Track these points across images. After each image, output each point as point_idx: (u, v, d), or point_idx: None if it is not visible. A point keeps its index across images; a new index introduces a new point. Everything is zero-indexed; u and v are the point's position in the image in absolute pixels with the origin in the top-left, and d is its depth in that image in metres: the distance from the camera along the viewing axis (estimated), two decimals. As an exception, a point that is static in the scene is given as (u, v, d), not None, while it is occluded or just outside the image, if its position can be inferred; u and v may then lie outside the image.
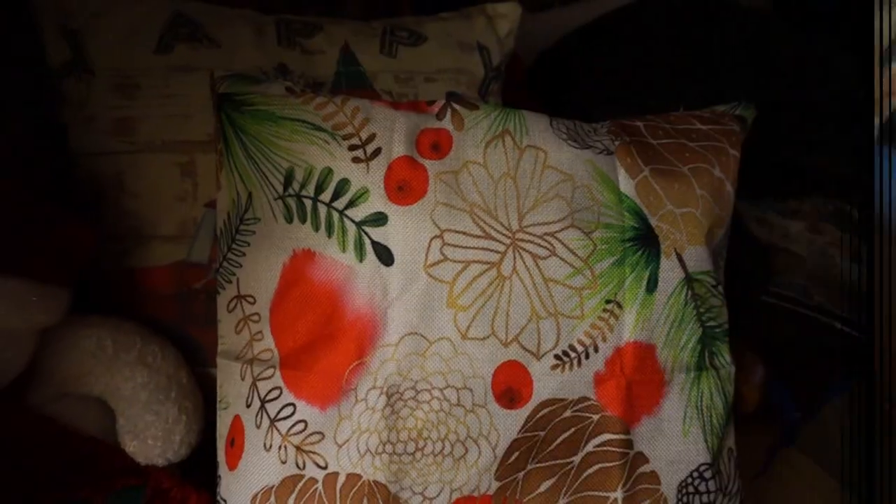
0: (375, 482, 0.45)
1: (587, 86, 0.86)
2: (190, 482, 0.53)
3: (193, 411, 0.54)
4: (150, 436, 0.51)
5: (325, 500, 0.45)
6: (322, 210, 0.46)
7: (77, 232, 0.50)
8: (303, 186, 0.46)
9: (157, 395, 0.52)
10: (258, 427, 0.47)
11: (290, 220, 0.46)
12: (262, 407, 0.47)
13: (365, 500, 0.45)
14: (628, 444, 0.46)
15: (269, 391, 0.47)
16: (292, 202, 0.46)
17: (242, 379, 0.48)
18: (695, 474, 0.47)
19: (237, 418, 0.48)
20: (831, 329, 0.67)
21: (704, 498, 0.48)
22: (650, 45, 0.83)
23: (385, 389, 0.44)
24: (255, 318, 0.48)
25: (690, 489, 0.47)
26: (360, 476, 0.45)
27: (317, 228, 0.46)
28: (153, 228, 0.55)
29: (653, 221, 0.46)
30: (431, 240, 0.44)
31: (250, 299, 0.48)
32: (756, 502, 1.02)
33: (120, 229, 0.55)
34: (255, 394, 0.47)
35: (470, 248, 0.44)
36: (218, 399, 0.51)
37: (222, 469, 0.50)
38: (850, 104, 0.85)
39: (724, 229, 0.51)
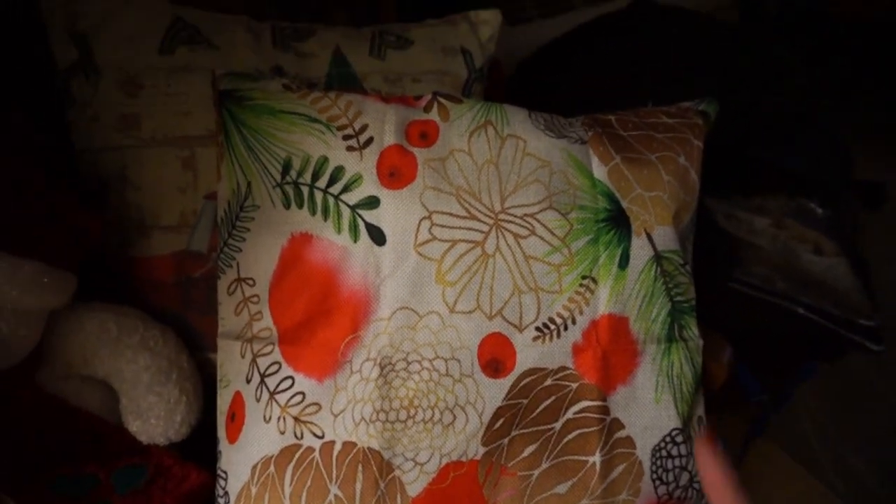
0: (370, 449, 0.47)
1: (562, 94, 0.91)
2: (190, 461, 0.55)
3: (194, 393, 0.56)
4: (153, 416, 0.54)
5: (322, 467, 0.48)
6: (318, 195, 0.49)
7: (86, 220, 0.53)
8: (300, 174, 0.49)
9: (158, 378, 0.54)
10: (258, 400, 0.49)
11: (287, 206, 0.50)
12: (262, 381, 0.49)
13: (360, 467, 0.48)
14: (605, 410, 0.49)
15: (269, 366, 0.49)
16: (290, 189, 0.50)
17: (242, 357, 0.51)
18: (667, 439, 0.51)
19: (237, 394, 0.51)
20: (794, 314, 0.71)
21: (676, 461, 0.51)
22: (623, 54, 0.88)
23: (378, 361, 0.48)
24: (255, 299, 0.51)
25: (663, 453, 0.51)
26: (355, 444, 0.48)
27: (314, 213, 0.49)
28: (155, 219, 0.58)
29: (624, 204, 0.50)
30: (421, 221, 0.48)
31: (250, 282, 0.51)
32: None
33: (123, 220, 0.58)
34: (255, 369, 0.50)
35: (456, 227, 0.48)
36: (218, 378, 0.54)
37: (223, 444, 0.52)
38: (809, 108, 0.90)
39: (690, 214, 0.55)
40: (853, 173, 0.91)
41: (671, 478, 0.51)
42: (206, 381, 0.58)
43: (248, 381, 0.50)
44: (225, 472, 0.51)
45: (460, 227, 0.48)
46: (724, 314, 0.71)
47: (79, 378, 0.54)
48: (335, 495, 0.48)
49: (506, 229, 0.48)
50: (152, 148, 0.57)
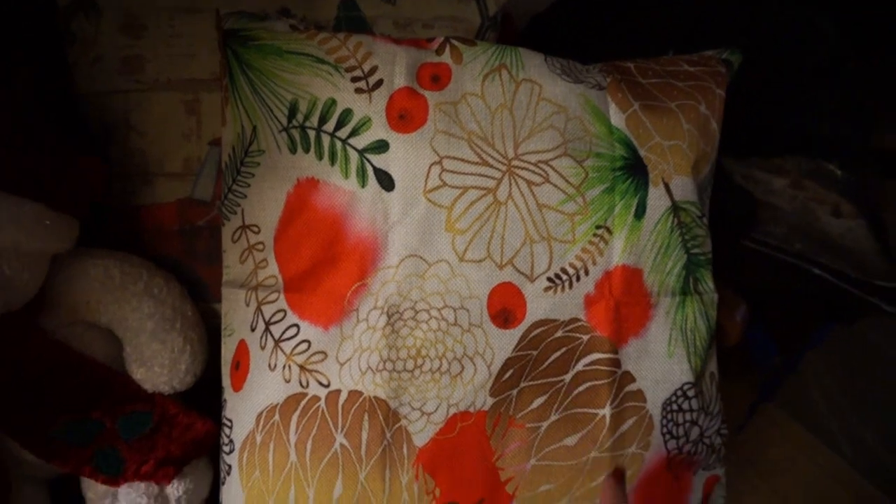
0: (376, 398, 0.47)
1: (578, 47, 0.88)
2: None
3: (198, 342, 0.55)
4: (157, 364, 0.53)
5: (327, 416, 0.47)
6: (325, 140, 0.47)
7: (90, 165, 0.52)
8: (307, 118, 0.48)
9: (162, 325, 0.53)
10: (263, 349, 0.49)
11: (294, 150, 0.48)
12: (267, 329, 0.49)
13: (366, 416, 0.47)
14: (616, 363, 0.48)
15: (274, 314, 0.49)
16: (296, 133, 0.48)
17: (247, 305, 0.50)
18: (678, 393, 0.50)
19: (242, 342, 0.50)
20: (809, 275, 0.70)
21: (687, 416, 0.50)
22: (639, 6, 0.85)
23: (385, 309, 0.47)
24: (260, 246, 0.50)
25: (674, 407, 0.50)
26: (361, 393, 0.47)
27: (320, 157, 0.48)
28: (159, 166, 0.56)
29: (642, 152, 0.49)
30: (431, 166, 0.46)
31: (255, 229, 0.50)
32: (737, 457, 1.06)
33: (127, 168, 0.56)
34: (260, 317, 0.49)
35: (468, 174, 0.47)
36: (223, 327, 0.53)
37: (227, 392, 0.52)
38: (833, 69, 0.87)
39: (709, 165, 0.53)
40: (876, 140, 0.89)
41: (681, 432, 0.51)
42: (210, 332, 0.57)
43: (253, 329, 0.49)
44: (230, 420, 0.51)
45: (472, 174, 0.47)
46: (739, 273, 0.69)
47: (83, 325, 0.53)
48: (341, 444, 0.47)
49: (519, 176, 0.47)
50: (156, 92, 0.55)
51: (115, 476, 0.49)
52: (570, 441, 0.49)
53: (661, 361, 0.49)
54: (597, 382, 0.48)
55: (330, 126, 0.47)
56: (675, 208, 0.49)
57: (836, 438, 1.08)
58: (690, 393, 0.50)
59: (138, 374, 0.53)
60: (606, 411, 0.48)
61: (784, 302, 0.75)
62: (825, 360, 1.08)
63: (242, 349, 0.50)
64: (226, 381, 0.52)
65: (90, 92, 0.56)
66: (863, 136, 0.89)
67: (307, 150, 0.48)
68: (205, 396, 0.56)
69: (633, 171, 0.48)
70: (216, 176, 0.57)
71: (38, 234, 0.46)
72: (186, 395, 0.56)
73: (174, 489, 0.49)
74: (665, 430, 0.50)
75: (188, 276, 0.58)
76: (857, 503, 1.04)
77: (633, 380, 0.49)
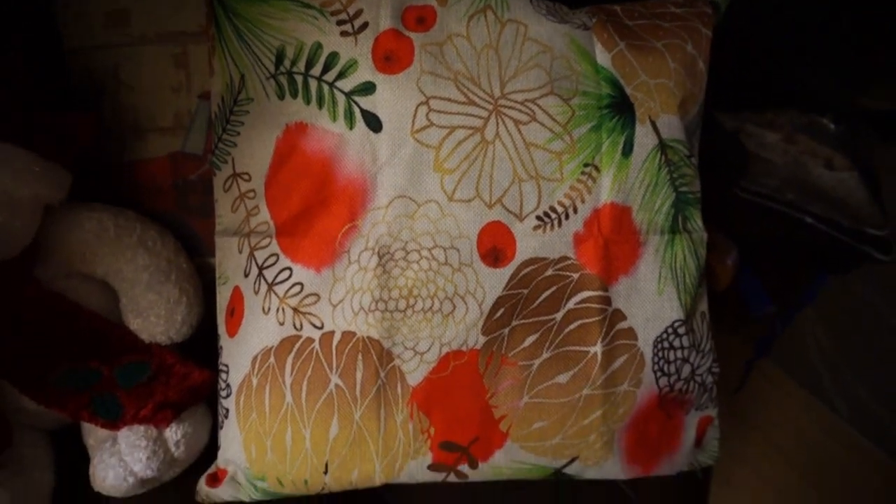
0: (369, 338, 0.47)
1: None
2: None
3: (194, 294, 0.56)
4: (153, 314, 0.54)
5: (321, 357, 0.48)
6: (313, 84, 0.48)
7: (79, 118, 0.52)
8: (294, 63, 0.48)
9: (157, 277, 0.54)
10: (256, 293, 0.49)
11: (282, 96, 0.48)
12: (260, 273, 0.49)
13: (360, 356, 0.48)
14: (607, 300, 0.49)
15: (267, 258, 0.49)
16: (284, 79, 0.48)
17: (240, 252, 0.51)
18: (669, 330, 0.50)
19: (236, 289, 0.51)
20: (801, 223, 0.70)
21: (679, 353, 0.51)
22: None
23: (377, 250, 0.47)
24: (251, 194, 0.51)
25: (665, 344, 0.51)
26: (354, 333, 0.48)
27: (308, 102, 0.48)
28: (150, 121, 0.56)
29: (628, 90, 0.49)
30: (418, 106, 0.47)
31: (245, 177, 0.51)
32: (734, 416, 1.07)
33: (119, 123, 0.57)
34: (253, 262, 0.50)
35: (455, 113, 0.47)
36: (217, 276, 0.53)
37: (223, 339, 0.52)
38: (826, 21, 0.87)
39: (697, 106, 0.53)
40: (860, 102, 0.89)
41: (673, 369, 0.51)
42: (205, 287, 0.58)
43: (247, 275, 0.50)
44: (226, 366, 0.51)
45: (459, 113, 0.47)
46: (731, 221, 0.70)
47: (79, 277, 0.54)
48: (336, 385, 0.48)
49: (506, 115, 0.47)
50: (144, 46, 0.55)
51: (113, 420, 0.50)
52: (563, 378, 0.49)
53: (652, 299, 0.50)
54: (587, 320, 0.49)
55: (317, 70, 0.48)
56: (663, 146, 0.49)
57: (831, 395, 1.09)
58: (681, 330, 0.51)
59: (135, 324, 0.54)
60: (598, 349, 0.49)
61: (776, 252, 0.76)
62: (820, 318, 1.08)
63: (237, 295, 0.51)
64: (221, 328, 0.53)
65: (78, 47, 0.56)
66: (852, 93, 0.89)
67: (295, 96, 0.48)
68: (203, 353, 0.56)
69: (620, 109, 0.49)
70: (207, 129, 0.57)
71: (27, 180, 0.47)
72: (185, 350, 0.57)
73: (173, 433, 0.50)
74: (656, 367, 0.51)
75: (182, 231, 0.58)
76: (853, 457, 1.05)
77: (623, 318, 0.50)
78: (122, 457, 0.49)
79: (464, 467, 0.51)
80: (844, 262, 0.74)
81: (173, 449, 0.50)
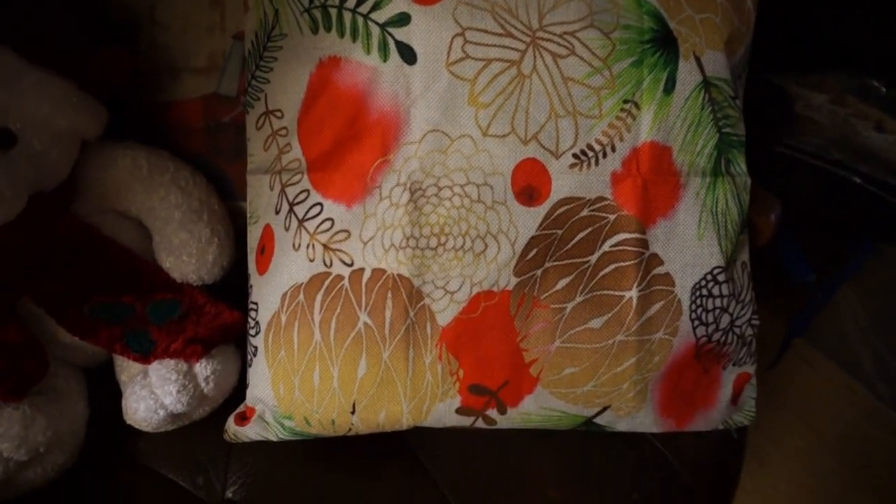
0: (399, 276, 0.47)
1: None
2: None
3: (225, 235, 0.56)
4: (185, 253, 0.54)
5: (351, 295, 0.47)
6: (347, 16, 0.47)
7: (115, 53, 0.52)
8: (328, -4, 0.47)
9: (189, 216, 0.54)
10: (287, 230, 0.49)
11: (315, 30, 0.48)
12: (291, 210, 0.49)
13: (389, 294, 0.47)
14: (644, 244, 0.47)
15: (298, 194, 0.49)
16: (318, 13, 0.48)
17: (271, 189, 0.50)
18: (708, 277, 0.49)
19: (267, 227, 0.51)
20: (848, 183, 0.67)
21: (717, 302, 0.49)
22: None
23: (408, 186, 0.46)
24: (283, 132, 0.50)
25: (704, 292, 0.49)
26: (384, 271, 0.47)
27: (342, 35, 0.47)
28: (185, 61, 0.56)
29: (672, 25, 0.47)
30: (453, 38, 0.45)
31: (278, 113, 0.50)
32: (769, 395, 1.04)
33: (153, 63, 0.57)
34: (284, 199, 0.49)
35: (491, 45, 0.46)
36: (248, 215, 0.53)
37: (253, 278, 0.52)
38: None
39: (743, 48, 0.51)
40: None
41: (711, 319, 0.49)
42: (237, 231, 0.58)
43: (277, 212, 0.50)
44: (255, 304, 0.51)
45: (495, 45, 0.45)
46: (774, 179, 0.67)
47: (114, 214, 0.54)
48: (364, 323, 0.47)
49: (543, 48, 0.46)
50: (179, -15, 0.55)
51: (145, 354, 0.50)
52: (596, 323, 0.48)
53: (691, 244, 0.48)
54: (623, 264, 0.47)
55: (351, 2, 0.47)
56: (707, 84, 0.47)
57: (872, 378, 1.05)
58: (721, 278, 0.49)
59: (167, 262, 0.54)
60: (633, 294, 0.48)
61: (822, 215, 0.73)
62: (859, 297, 1.05)
63: (268, 233, 0.51)
64: (251, 267, 0.52)
65: (115, -13, 0.56)
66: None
67: (329, 29, 0.47)
68: (234, 301, 0.56)
69: (663, 43, 0.47)
70: (240, 71, 0.57)
71: (65, 110, 0.47)
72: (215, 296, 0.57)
73: (202, 368, 0.50)
74: (694, 315, 0.49)
75: (214, 174, 0.58)
76: (891, 441, 1.01)
77: (661, 262, 0.48)
78: (153, 389, 0.49)
79: (492, 412, 0.50)
80: (894, 227, 0.71)
81: (203, 385, 0.51)
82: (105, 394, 0.55)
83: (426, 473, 0.55)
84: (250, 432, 0.52)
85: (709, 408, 0.54)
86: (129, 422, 0.51)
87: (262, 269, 0.51)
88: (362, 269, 0.47)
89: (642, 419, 0.51)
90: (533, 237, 0.47)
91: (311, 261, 0.48)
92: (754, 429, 0.64)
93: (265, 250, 0.51)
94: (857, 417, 1.04)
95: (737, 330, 0.51)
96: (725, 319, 0.50)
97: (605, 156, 0.47)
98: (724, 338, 0.51)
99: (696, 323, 0.49)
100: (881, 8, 0.81)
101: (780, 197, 0.69)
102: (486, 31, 0.46)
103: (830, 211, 0.72)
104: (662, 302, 0.48)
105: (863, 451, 1.01)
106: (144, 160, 0.53)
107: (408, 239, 0.46)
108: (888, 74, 0.79)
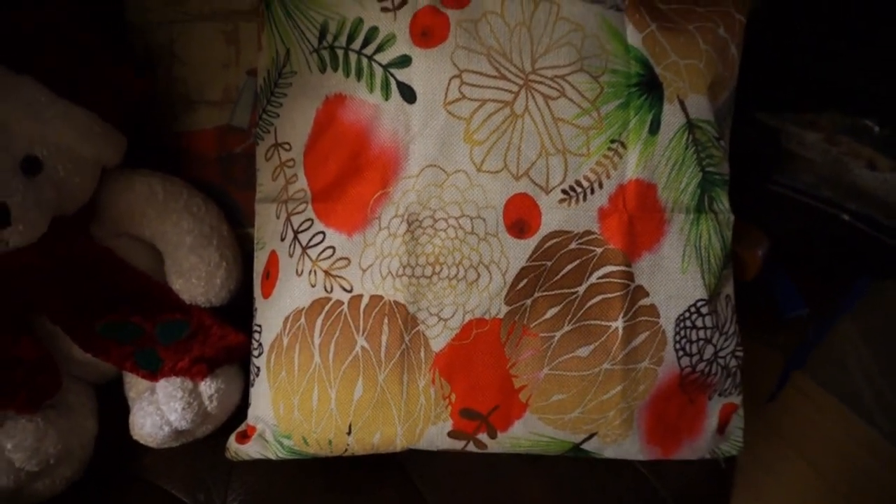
0: (396, 302, 0.49)
1: None
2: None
3: (233, 260, 0.59)
4: (195, 276, 0.57)
5: (349, 319, 0.50)
6: (353, 57, 0.50)
7: (134, 81, 0.56)
8: (336, 38, 0.50)
9: (200, 241, 0.57)
10: (291, 256, 0.52)
11: (323, 69, 0.51)
12: (295, 237, 0.51)
13: (386, 320, 0.49)
14: (629, 276, 0.50)
15: (302, 223, 0.51)
16: (326, 53, 0.51)
17: (278, 217, 0.53)
18: (692, 309, 0.51)
19: (272, 253, 0.53)
20: (838, 220, 0.69)
21: (701, 333, 0.51)
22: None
23: (406, 217, 0.49)
24: (291, 163, 0.53)
25: (688, 323, 0.51)
26: (381, 297, 0.49)
27: (347, 74, 0.50)
28: (200, 94, 0.60)
29: (657, 70, 0.50)
30: (451, 79, 0.48)
31: (286, 146, 0.53)
32: (768, 429, 1.04)
33: (170, 95, 0.60)
34: (289, 226, 0.52)
35: (486, 87, 0.48)
36: (255, 241, 0.56)
37: (258, 301, 0.55)
38: (869, 22, 0.86)
39: (728, 92, 0.53)
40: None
41: (695, 350, 0.51)
42: (245, 258, 0.61)
43: (283, 239, 0.52)
44: (259, 326, 0.54)
45: (490, 87, 0.48)
46: (765, 215, 0.69)
47: (128, 238, 0.57)
48: (362, 347, 0.50)
49: (535, 90, 0.49)
50: (198, 22, 0.59)
51: (153, 372, 0.53)
52: (583, 352, 0.50)
53: (675, 277, 0.50)
54: (610, 295, 0.50)
55: (357, 44, 0.50)
56: (690, 125, 0.50)
57: (871, 411, 1.05)
58: (704, 310, 0.51)
59: (177, 284, 0.57)
60: (619, 324, 0.50)
61: (813, 251, 0.75)
62: (860, 331, 1.05)
63: (273, 259, 0.53)
64: (257, 290, 0.55)
65: (138, 22, 0.60)
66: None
67: (336, 69, 0.51)
68: (240, 326, 0.59)
69: (649, 87, 0.49)
70: (252, 105, 0.60)
71: (90, 139, 0.51)
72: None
73: (207, 386, 0.53)
74: (678, 346, 0.51)
75: (225, 202, 0.61)
76: (891, 475, 1.01)
77: (646, 294, 0.50)
78: (160, 406, 0.52)
79: (483, 436, 0.52)
80: (884, 263, 0.73)
81: (207, 403, 0.53)
82: (113, 412, 0.57)
83: (420, 496, 0.57)
84: (251, 450, 0.55)
85: (695, 437, 0.55)
86: (135, 437, 0.54)
87: (267, 292, 0.53)
88: (361, 295, 0.50)
89: (629, 447, 0.53)
90: (523, 268, 0.49)
91: (313, 286, 0.51)
92: (751, 460, 0.65)
93: (270, 275, 0.53)
94: (855, 450, 1.04)
95: (721, 361, 0.53)
96: (709, 350, 0.52)
97: (592, 192, 0.49)
98: (708, 368, 0.52)
99: (681, 353, 0.51)
100: (874, 49, 0.84)
101: (770, 234, 0.71)
102: (481, 74, 0.49)
103: (822, 247, 0.73)
104: (647, 332, 0.50)
105: (860, 485, 1.01)
106: (160, 186, 0.56)
107: (404, 267, 0.49)
108: (881, 114, 0.81)
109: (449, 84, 0.48)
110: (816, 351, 0.98)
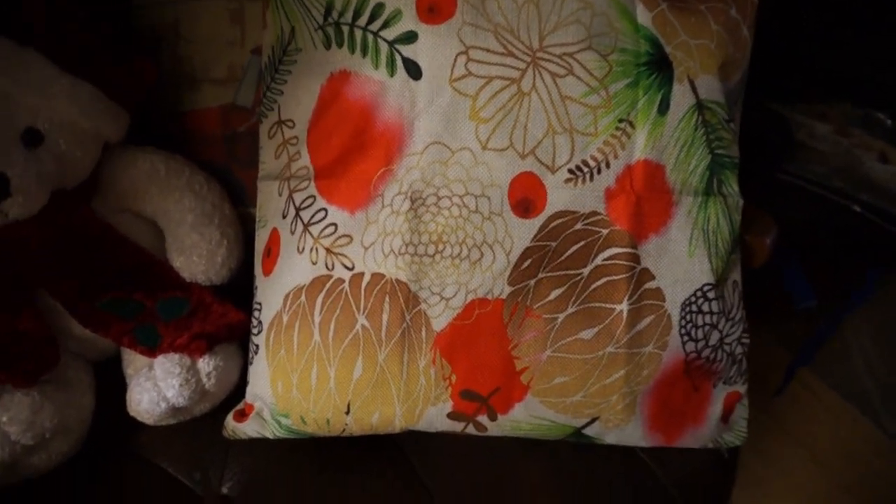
0: (397, 280, 0.48)
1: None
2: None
3: (234, 239, 0.58)
4: (196, 254, 0.56)
5: (350, 298, 0.49)
6: (358, 34, 0.49)
7: (141, 63, 0.55)
8: (341, 14, 0.50)
9: (202, 219, 0.57)
10: (292, 233, 0.51)
11: (328, 46, 0.50)
12: (297, 214, 0.51)
13: (387, 298, 0.49)
14: (635, 258, 0.49)
15: (304, 200, 0.51)
16: (331, 30, 0.50)
17: (280, 194, 0.53)
18: (698, 293, 0.50)
19: (274, 231, 0.53)
20: (849, 211, 0.68)
21: (707, 318, 0.50)
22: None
23: (409, 195, 0.48)
24: (294, 140, 0.53)
25: (694, 308, 0.50)
26: (383, 275, 0.49)
27: (353, 50, 0.50)
28: (205, 72, 0.60)
29: (667, 49, 0.49)
30: (457, 55, 0.48)
31: (290, 123, 0.53)
32: (773, 421, 1.03)
33: (175, 75, 0.60)
34: (291, 204, 0.51)
35: (493, 64, 0.48)
36: (257, 220, 0.55)
37: (258, 279, 0.54)
38: (882, 13, 0.85)
39: (739, 73, 0.53)
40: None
41: (700, 335, 0.50)
42: (247, 237, 0.60)
43: (284, 217, 0.52)
44: (259, 304, 0.53)
45: (497, 64, 0.48)
46: (775, 204, 0.68)
47: (130, 214, 0.57)
48: (362, 325, 0.49)
49: (543, 68, 0.48)
50: (203, 1, 0.59)
51: (152, 347, 0.52)
52: (587, 335, 0.49)
53: (682, 260, 0.49)
54: (615, 277, 0.49)
55: (363, 20, 0.49)
56: (700, 106, 0.49)
57: (878, 410, 1.04)
58: (711, 295, 0.50)
59: (178, 262, 0.56)
60: (624, 307, 0.49)
61: (824, 242, 0.74)
62: (867, 329, 1.04)
63: (274, 237, 0.53)
64: (257, 269, 0.55)
65: (144, 3, 0.59)
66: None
67: (341, 45, 0.50)
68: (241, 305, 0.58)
69: (658, 66, 0.49)
70: (257, 84, 0.60)
71: (92, 114, 0.50)
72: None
73: (205, 363, 0.52)
74: (684, 330, 0.50)
75: (228, 180, 0.61)
76: (894, 472, 1.00)
77: (652, 277, 0.49)
78: (157, 382, 0.51)
79: (483, 418, 0.51)
80: (894, 254, 0.72)
81: (205, 380, 0.52)
82: (111, 389, 0.57)
83: (418, 478, 0.56)
84: (248, 429, 0.54)
85: (698, 425, 0.54)
86: (132, 413, 0.53)
87: (268, 270, 0.53)
88: (362, 273, 0.49)
89: (631, 432, 0.52)
90: (527, 248, 0.48)
91: (314, 264, 0.50)
92: (756, 456, 0.64)
93: (271, 252, 0.53)
94: (860, 448, 1.02)
95: (726, 347, 0.52)
96: (715, 336, 0.51)
97: (599, 172, 0.48)
98: (713, 354, 0.52)
99: (686, 338, 0.50)
100: (886, 40, 0.83)
101: (780, 222, 0.70)
102: (488, 51, 0.48)
103: (830, 237, 0.73)
104: (652, 316, 0.50)
105: (865, 482, 1.00)
106: (162, 164, 0.56)
107: (406, 245, 0.48)
108: (893, 107, 0.80)
109: (455, 60, 0.48)
110: (823, 348, 0.97)
